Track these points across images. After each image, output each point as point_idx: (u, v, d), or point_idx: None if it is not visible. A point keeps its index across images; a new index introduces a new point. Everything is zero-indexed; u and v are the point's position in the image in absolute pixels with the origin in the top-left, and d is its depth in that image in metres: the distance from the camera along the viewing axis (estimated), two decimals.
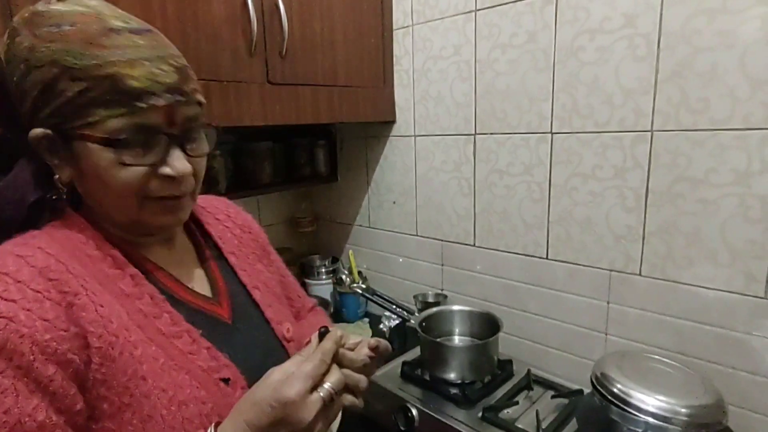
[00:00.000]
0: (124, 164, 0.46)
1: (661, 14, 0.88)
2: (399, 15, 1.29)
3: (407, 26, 1.28)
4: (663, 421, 0.65)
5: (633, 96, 0.93)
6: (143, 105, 0.46)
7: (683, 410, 0.66)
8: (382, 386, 0.96)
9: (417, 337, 1.10)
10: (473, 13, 1.14)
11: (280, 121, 1.08)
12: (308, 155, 1.55)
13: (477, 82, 1.17)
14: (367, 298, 1.03)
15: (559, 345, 1.11)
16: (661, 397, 0.67)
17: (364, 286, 1.06)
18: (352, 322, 1.49)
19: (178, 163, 0.48)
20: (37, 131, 0.46)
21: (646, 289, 0.97)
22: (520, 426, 0.81)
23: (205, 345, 0.51)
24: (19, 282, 0.42)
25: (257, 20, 0.98)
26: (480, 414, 0.85)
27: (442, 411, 0.87)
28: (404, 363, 1.02)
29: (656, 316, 0.96)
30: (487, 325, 1.01)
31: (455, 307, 1.06)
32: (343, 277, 1.50)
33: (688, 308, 0.92)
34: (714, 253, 0.88)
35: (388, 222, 1.47)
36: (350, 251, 1.53)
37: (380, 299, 1.04)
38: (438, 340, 1.00)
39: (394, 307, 1.05)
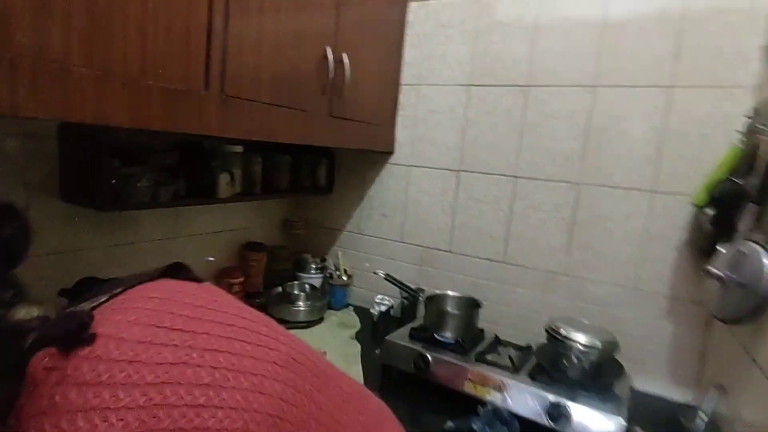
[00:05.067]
0: None
1: (591, 110, 1.44)
2: (409, 76, 1.73)
3: (414, 84, 1.73)
4: (587, 348, 1.15)
5: (569, 160, 1.48)
6: None
7: (598, 342, 1.16)
8: (400, 343, 1.33)
9: (414, 313, 1.50)
10: (468, 87, 1.62)
11: (334, 144, 1.44)
12: (311, 170, 1.88)
13: (465, 135, 1.64)
14: (389, 281, 1.40)
15: (510, 324, 1.59)
16: (587, 336, 1.16)
17: (383, 273, 1.42)
18: (339, 310, 1.83)
19: None
20: None
21: (569, 283, 1.49)
22: (501, 363, 1.25)
23: None
24: None
25: (333, 69, 1.34)
26: (474, 357, 1.27)
27: (448, 356, 1.27)
28: (411, 329, 1.40)
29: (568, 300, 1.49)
30: (470, 305, 1.44)
31: (449, 292, 1.48)
32: (333, 272, 1.84)
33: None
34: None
35: (376, 230, 1.85)
36: (339, 252, 1.88)
37: (399, 282, 1.42)
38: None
39: (409, 288, 1.44)
